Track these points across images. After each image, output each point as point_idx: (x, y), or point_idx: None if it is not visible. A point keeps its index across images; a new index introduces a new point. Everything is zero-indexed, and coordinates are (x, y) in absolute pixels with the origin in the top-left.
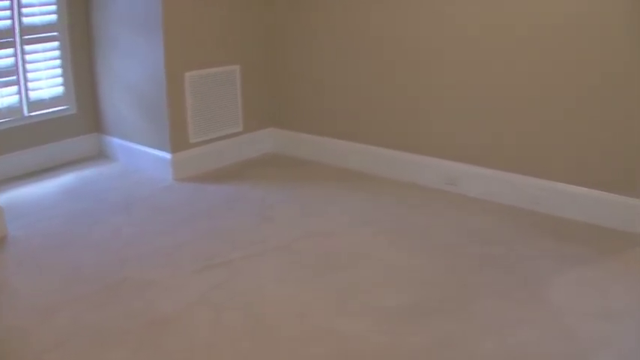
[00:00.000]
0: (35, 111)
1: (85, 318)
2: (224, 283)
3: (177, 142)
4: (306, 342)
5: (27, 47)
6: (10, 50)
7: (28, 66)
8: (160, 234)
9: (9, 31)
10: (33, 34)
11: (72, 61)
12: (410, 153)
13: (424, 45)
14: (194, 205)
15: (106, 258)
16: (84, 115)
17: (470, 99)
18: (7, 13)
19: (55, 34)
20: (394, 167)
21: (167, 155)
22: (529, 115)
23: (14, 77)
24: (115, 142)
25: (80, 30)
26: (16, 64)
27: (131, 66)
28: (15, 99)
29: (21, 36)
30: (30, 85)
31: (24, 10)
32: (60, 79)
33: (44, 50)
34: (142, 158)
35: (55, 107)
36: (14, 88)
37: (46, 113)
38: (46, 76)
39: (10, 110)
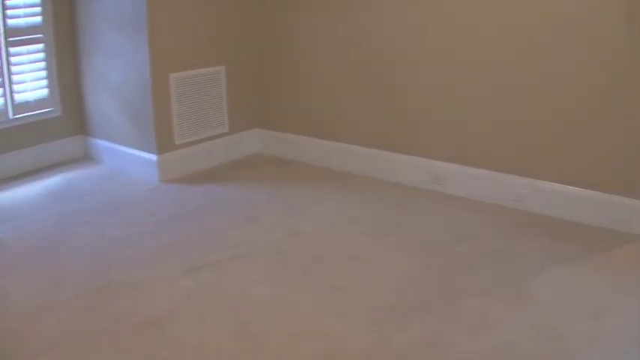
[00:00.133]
0: (20, 113)
1: (74, 321)
2: (211, 285)
3: (163, 143)
4: (294, 342)
5: (11, 49)
6: None
7: (13, 68)
8: (147, 236)
9: None
10: (17, 36)
11: (57, 63)
12: (396, 153)
13: (410, 45)
14: (180, 207)
15: (93, 260)
16: (69, 117)
17: (456, 98)
18: None
19: (39, 36)
20: (380, 167)
21: (153, 157)
22: (515, 114)
23: None
24: (101, 143)
25: (65, 32)
26: (0, 67)
27: (116, 67)
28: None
29: (5, 38)
30: (15, 87)
31: (8, 12)
32: (45, 81)
33: (29, 52)
34: (127, 160)
35: (40, 109)
36: None
37: (31, 115)
38: (30, 79)
39: None
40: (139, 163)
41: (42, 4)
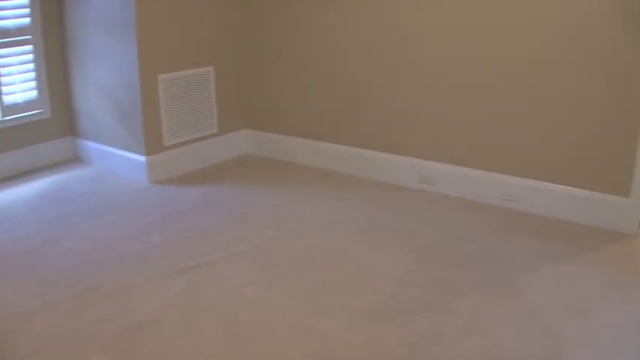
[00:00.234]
0: (9, 115)
1: (63, 323)
2: (200, 286)
3: (152, 144)
4: (284, 342)
5: (0, 51)
6: None
7: (2, 70)
8: (136, 237)
9: None
10: (6, 37)
11: (46, 64)
12: (384, 152)
13: (398, 46)
14: (169, 208)
15: (82, 262)
16: (58, 118)
17: (444, 98)
18: None
19: (28, 37)
20: (369, 167)
21: (142, 158)
22: (504, 113)
23: None
24: (90, 145)
25: (54, 33)
26: None
27: (105, 69)
28: None
29: None
30: (4, 89)
31: None
32: (34, 83)
33: (18, 54)
34: (116, 161)
35: (29, 111)
36: None
37: (21, 117)
38: (19, 80)
39: None
40: (128, 165)
41: (31, 6)
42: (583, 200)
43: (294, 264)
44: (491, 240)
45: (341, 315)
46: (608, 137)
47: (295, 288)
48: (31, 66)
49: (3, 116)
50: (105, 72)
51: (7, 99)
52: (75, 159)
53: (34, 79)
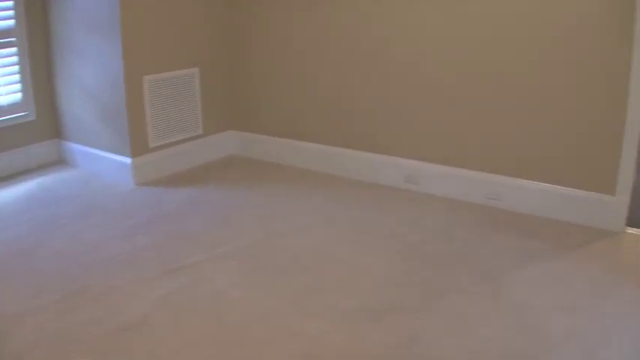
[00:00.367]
0: None
1: (50, 326)
2: (187, 287)
3: (137, 146)
4: (270, 344)
5: None
6: None
7: None
8: (122, 239)
9: None
10: None
11: (30, 66)
12: (370, 152)
13: (383, 45)
14: (155, 209)
15: (69, 265)
16: (43, 121)
17: (430, 98)
18: None
19: (12, 39)
20: (354, 167)
21: (127, 160)
22: (490, 112)
23: None
24: (76, 147)
25: (38, 35)
26: None
27: (90, 70)
28: None
29: None
30: None
31: None
32: (18, 85)
33: (2, 56)
34: (102, 163)
35: (13, 114)
36: None
37: (5, 120)
38: (4, 83)
39: None
40: (114, 167)
41: (15, 7)
42: (568, 198)
43: (280, 265)
44: (476, 239)
45: (327, 316)
46: (592, 135)
47: (281, 289)
48: (16, 68)
49: None
50: (90, 74)
51: None
52: (60, 161)
53: (19, 82)
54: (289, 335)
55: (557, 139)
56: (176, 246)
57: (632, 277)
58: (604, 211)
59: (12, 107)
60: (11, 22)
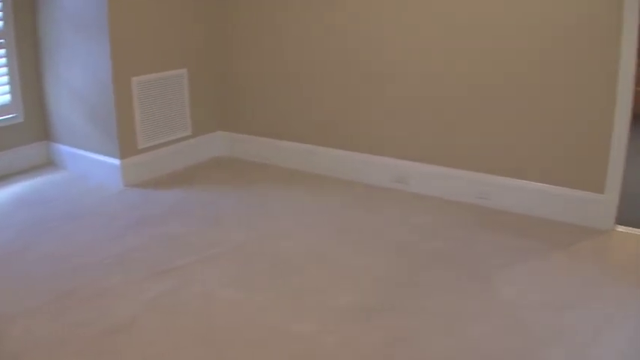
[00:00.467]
0: None
1: (39, 329)
2: (177, 289)
3: (126, 147)
4: (261, 345)
5: None
6: None
7: None
8: (111, 241)
9: None
10: None
11: (19, 68)
12: (358, 152)
13: (372, 46)
14: (144, 211)
15: (58, 267)
16: (32, 122)
17: (418, 98)
18: None
19: (0, 41)
20: (343, 167)
21: (116, 161)
22: (478, 112)
23: None
24: (64, 149)
25: (27, 37)
26: None
27: (78, 72)
28: None
29: None
30: None
31: None
32: (7, 87)
33: None
34: (91, 165)
35: (2, 115)
36: None
37: None
38: None
39: None
40: (103, 168)
41: (3, 10)
42: (557, 197)
43: (270, 265)
44: (466, 238)
45: (317, 316)
46: (581, 134)
47: (271, 290)
48: (4, 70)
49: None
50: (78, 75)
51: None
52: (49, 163)
53: (8, 84)
54: (280, 336)
55: (546, 139)
56: (165, 247)
57: (622, 276)
58: (593, 210)
59: (1, 109)
60: None
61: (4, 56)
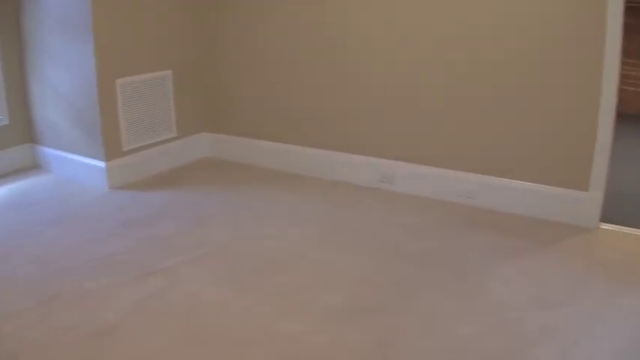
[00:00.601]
0: None
1: (26, 332)
2: (164, 290)
3: (111, 150)
4: (248, 345)
5: None
6: None
7: None
8: (97, 243)
9: None
10: None
11: (3, 70)
12: (343, 152)
13: (356, 46)
14: (130, 213)
15: (44, 270)
16: (16, 125)
17: (403, 98)
18: None
19: None
20: (328, 167)
21: (101, 164)
22: (464, 112)
23: None
24: (49, 152)
25: (11, 39)
26: None
27: (62, 74)
28: None
29: None
30: None
31: None
32: None
33: None
34: (76, 168)
35: None
36: None
37: None
38: None
39: None
40: (88, 171)
41: None
42: (543, 196)
43: (257, 266)
44: (452, 237)
45: (304, 316)
46: (565, 132)
47: (258, 290)
48: None
49: None
50: (63, 77)
51: None
52: (34, 166)
53: None
54: (266, 336)
55: (531, 137)
56: (151, 249)
57: (607, 273)
58: (578, 208)
59: None
60: None
61: None
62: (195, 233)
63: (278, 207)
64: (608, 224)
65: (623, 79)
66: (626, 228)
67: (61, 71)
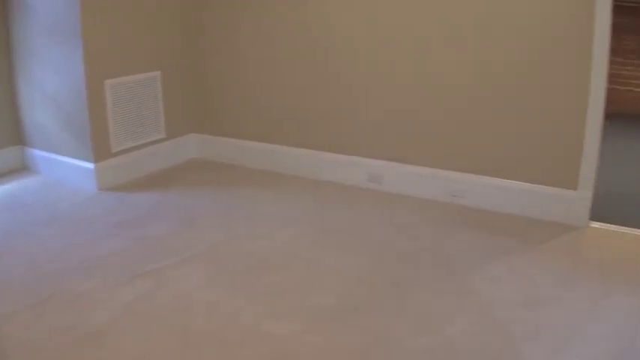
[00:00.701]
0: None
1: (16, 335)
2: (155, 291)
3: (100, 151)
4: (240, 346)
5: None
6: None
7: None
8: (87, 245)
9: None
10: None
11: None
12: (333, 153)
13: (344, 46)
14: (119, 215)
15: (33, 272)
16: (5, 127)
17: (391, 97)
18: None
19: None
20: (318, 168)
21: (90, 165)
22: (452, 111)
23: None
24: (38, 154)
25: None
26: None
27: (51, 75)
28: None
29: None
30: None
31: None
32: None
33: None
34: (65, 169)
35: None
36: None
37: None
38: None
39: None
40: (77, 173)
41: None
42: (532, 194)
43: (247, 267)
44: (441, 237)
45: (295, 316)
46: (554, 131)
47: (249, 291)
48: None
49: None
50: (51, 79)
51: None
52: (23, 168)
53: None
54: (259, 337)
55: (520, 137)
56: (142, 251)
57: (596, 272)
58: (567, 206)
59: None
60: None
61: None
62: (187, 234)
63: (268, 207)
64: (598, 223)
65: (614, 78)
66: (616, 226)
67: (50, 73)
